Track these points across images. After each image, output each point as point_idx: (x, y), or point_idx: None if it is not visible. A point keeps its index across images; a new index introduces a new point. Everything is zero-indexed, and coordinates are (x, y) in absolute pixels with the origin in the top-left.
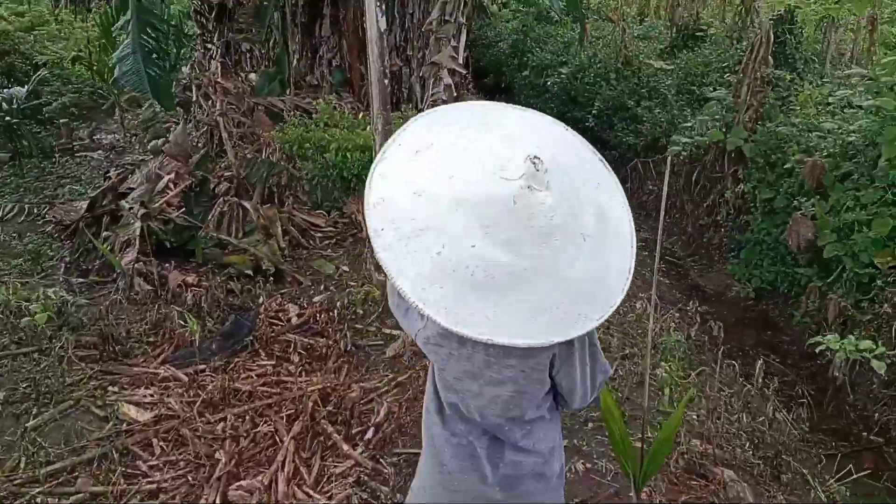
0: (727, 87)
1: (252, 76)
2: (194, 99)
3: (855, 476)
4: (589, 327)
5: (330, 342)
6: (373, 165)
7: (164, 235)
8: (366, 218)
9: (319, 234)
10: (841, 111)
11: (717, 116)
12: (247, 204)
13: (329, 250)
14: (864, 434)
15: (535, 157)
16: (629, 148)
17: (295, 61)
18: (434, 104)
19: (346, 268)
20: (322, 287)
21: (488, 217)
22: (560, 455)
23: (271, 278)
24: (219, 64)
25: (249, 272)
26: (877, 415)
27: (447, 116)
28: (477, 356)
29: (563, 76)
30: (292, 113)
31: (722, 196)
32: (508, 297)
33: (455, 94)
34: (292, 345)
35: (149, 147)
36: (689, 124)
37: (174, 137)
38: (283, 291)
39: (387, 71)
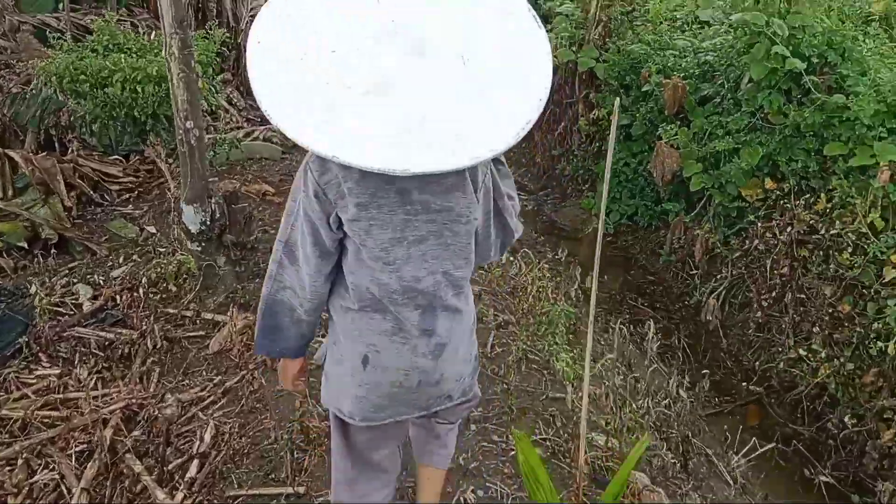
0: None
1: None
2: None
3: (759, 451)
4: (501, 142)
5: (135, 335)
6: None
7: None
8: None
9: (116, 187)
10: (689, 27)
11: (564, 34)
12: (15, 154)
13: (130, 206)
14: (744, 385)
15: None
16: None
17: None
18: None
19: (152, 229)
20: (122, 258)
21: (354, 23)
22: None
23: (54, 250)
24: None
25: (23, 244)
26: (754, 362)
27: None
28: (396, 217)
29: None
30: (68, 34)
31: (574, 123)
32: (383, 106)
33: None
34: (84, 342)
35: None
36: None
37: None
38: (71, 266)
39: None
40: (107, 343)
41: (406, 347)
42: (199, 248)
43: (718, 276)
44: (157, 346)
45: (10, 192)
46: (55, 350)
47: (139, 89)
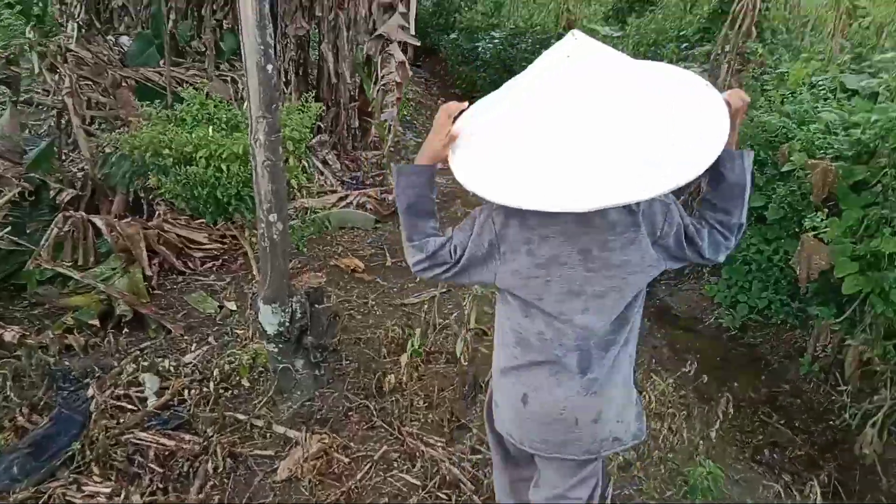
0: (697, 62)
1: (124, 40)
2: (37, 72)
3: None
4: (676, 178)
5: (198, 447)
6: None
7: None
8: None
9: (200, 254)
10: (832, 95)
11: None
12: (97, 220)
13: (212, 276)
14: None
15: (573, 31)
16: None
17: (175, 21)
18: (385, 89)
19: (231, 305)
20: (198, 336)
21: (539, 94)
22: None
23: (126, 329)
24: (76, 24)
25: (95, 321)
26: None
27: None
28: (577, 273)
29: (495, 41)
30: (177, 88)
31: (697, 198)
32: (566, 161)
33: (409, 74)
34: (142, 451)
35: None
36: None
37: None
38: (142, 346)
39: (269, 53)
40: (167, 453)
41: (563, 385)
42: (276, 350)
43: (875, 398)
44: (220, 468)
45: (90, 260)
46: (109, 459)
47: (223, 168)
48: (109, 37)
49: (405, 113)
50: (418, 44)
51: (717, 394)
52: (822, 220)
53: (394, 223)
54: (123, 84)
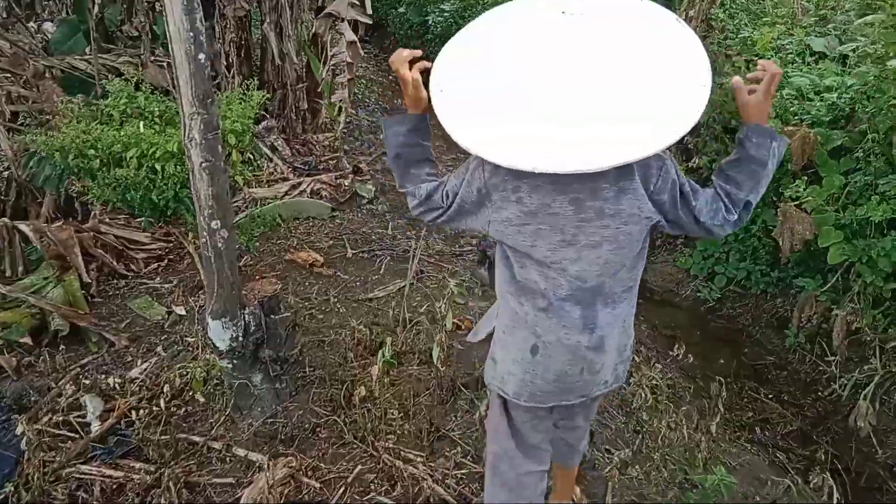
0: None
1: (48, 26)
2: None
3: None
4: (674, 135)
5: (149, 478)
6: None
7: None
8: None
9: (143, 255)
10: (801, 59)
11: None
12: (25, 227)
13: (157, 279)
14: None
15: None
16: None
17: (102, 5)
18: (335, 71)
19: (181, 310)
20: (145, 348)
21: (535, 39)
22: None
23: (62, 346)
24: None
25: (26, 339)
26: None
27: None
28: (568, 222)
29: (445, 14)
30: (106, 78)
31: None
32: (564, 119)
33: (361, 53)
34: (86, 486)
35: None
36: None
37: None
38: (84, 363)
39: (200, 40)
40: (115, 487)
41: (571, 341)
42: (231, 366)
43: (866, 368)
44: (175, 502)
45: (19, 270)
46: (49, 499)
47: (158, 168)
48: (31, 24)
49: (356, 91)
50: (370, 22)
51: (703, 373)
52: (803, 188)
53: (351, 210)
54: (47, 75)
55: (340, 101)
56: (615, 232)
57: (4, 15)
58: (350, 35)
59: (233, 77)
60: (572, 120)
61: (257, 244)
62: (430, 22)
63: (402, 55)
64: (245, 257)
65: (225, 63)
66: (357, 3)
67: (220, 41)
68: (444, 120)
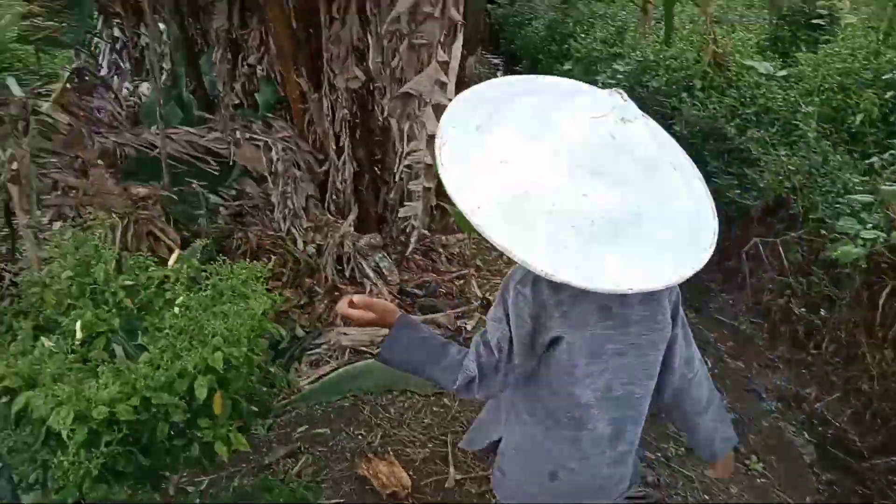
0: None
1: (144, 88)
2: None
3: None
4: (706, 259)
5: None
6: (436, 152)
7: None
8: (455, 202)
9: None
10: None
11: None
12: None
13: None
14: None
15: (617, 89)
16: (733, 208)
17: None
18: (410, 171)
19: None
20: None
21: (592, 160)
22: None
23: None
24: (75, 69)
25: None
26: None
27: (483, 93)
28: (599, 332)
29: (619, 75)
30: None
31: None
32: (631, 239)
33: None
34: None
35: None
36: (862, 198)
37: None
38: None
39: None
40: None
41: (593, 461)
42: None
43: None
44: None
45: None
46: None
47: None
48: (126, 84)
49: None
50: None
51: None
52: None
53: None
54: (98, 161)
55: (409, 217)
56: (641, 340)
57: (110, 72)
58: (433, 126)
59: (343, 164)
60: (639, 236)
61: (325, 431)
62: (599, 84)
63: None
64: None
65: (335, 146)
66: (446, 81)
67: (330, 119)
68: (506, 244)
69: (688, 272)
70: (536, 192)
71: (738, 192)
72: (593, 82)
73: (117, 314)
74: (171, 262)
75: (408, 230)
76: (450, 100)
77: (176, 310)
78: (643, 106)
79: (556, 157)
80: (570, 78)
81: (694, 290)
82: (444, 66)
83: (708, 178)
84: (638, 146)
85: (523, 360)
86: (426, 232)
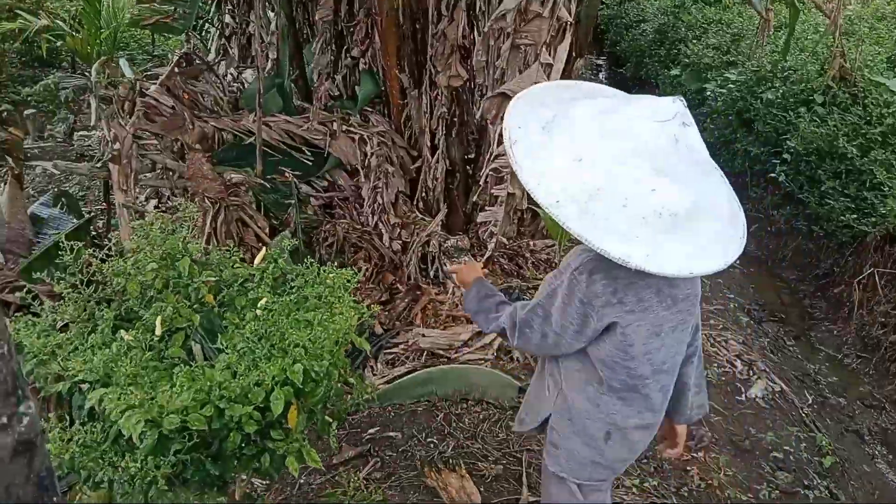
0: None
1: (248, 74)
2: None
3: None
4: (743, 245)
5: None
6: (508, 150)
7: None
8: (534, 196)
9: None
10: None
11: None
12: None
13: None
14: None
15: (678, 97)
16: (850, 233)
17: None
18: (496, 174)
19: None
20: None
21: (658, 160)
22: None
23: None
24: (183, 54)
25: None
26: None
27: (540, 96)
28: (656, 313)
29: (731, 85)
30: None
31: None
32: (690, 231)
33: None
34: None
35: None
36: None
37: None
38: None
39: None
40: None
41: (645, 421)
42: None
43: None
44: None
45: None
46: None
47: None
48: (231, 69)
49: None
50: None
51: None
52: None
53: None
54: (196, 145)
55: (487, 223)
56: (686, 315)
57: (217, 58)
58: None
59: (436, 162)
60: (696, 228)
61: (396, 435)
62: (708, 92)
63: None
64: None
65: (429, 144)
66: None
67: (428, 115)
68: (585, 234)
69: (732, 257)
70: (610, 188)
71: (855, 216)
72: (702, 90)
73: (198, 311)
74: (257, 261)
75: (487, 236)
76: None
77: (258, 312)
78: (755, 118)
79: (627, 156)
80: (678, 84)
81: (795, 316)
82: (548, 68)
83: (821, 198)
84: (694, 149)
85: (570, 338)
86: (504, 240)
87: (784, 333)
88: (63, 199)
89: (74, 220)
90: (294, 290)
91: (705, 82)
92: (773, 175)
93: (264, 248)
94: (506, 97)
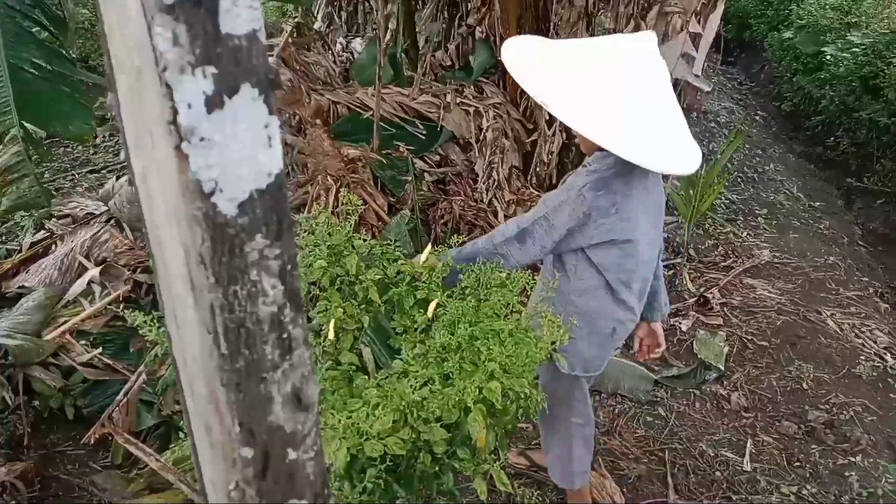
0: None
1: (356, 44)
2: None
3: None
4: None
5: None
6: (516, 76)
7: (63, 399)
8: (554, 112)
9: None
10: None
11: None
12: None
13: None
14: None
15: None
16: None
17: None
18: None
19: None
20: None
21: (641, 74)
22: None
23: None
24: (294, 23)
25: None
26: None
27: (522, 42)
28: (643, 220)
29: (854, 49)
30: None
31: None
32: (674, 135)
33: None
34: None
35: (100, 193)
36: None
37: (125, 189)
38: None
39: None
40: None
41: (635, 312)
42: None
43: None
44: None
45: None
46: None
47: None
48: (340, 39)
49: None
50: (707, 88)
51: None
52: None
53: (686, 392)
54: (316, 121)
55: None
56: (658, 219)
57: (324, 27)
58: None
59: (553, 135)
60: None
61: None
62: (828, 56)
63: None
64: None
65: (547, 116)
66: (694, 55)
67: None
68: (596, 138)
69: (699, 159)
70: (610, 100)
71: None
72: (819, 53)
73: (366, 311)
74: (422, 258)
75: None
76: (696, 76)
77: (435, 315)
78: (884, 84)
79: (618, 74)
80: (790, 47)
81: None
82: (696, 38)
83: None
84: (664, 67)
85: (556, 244)
86: None
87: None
88: None
89: None
90: (467, 292)
91: (823, 45)
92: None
93: (430, 246)
94: None
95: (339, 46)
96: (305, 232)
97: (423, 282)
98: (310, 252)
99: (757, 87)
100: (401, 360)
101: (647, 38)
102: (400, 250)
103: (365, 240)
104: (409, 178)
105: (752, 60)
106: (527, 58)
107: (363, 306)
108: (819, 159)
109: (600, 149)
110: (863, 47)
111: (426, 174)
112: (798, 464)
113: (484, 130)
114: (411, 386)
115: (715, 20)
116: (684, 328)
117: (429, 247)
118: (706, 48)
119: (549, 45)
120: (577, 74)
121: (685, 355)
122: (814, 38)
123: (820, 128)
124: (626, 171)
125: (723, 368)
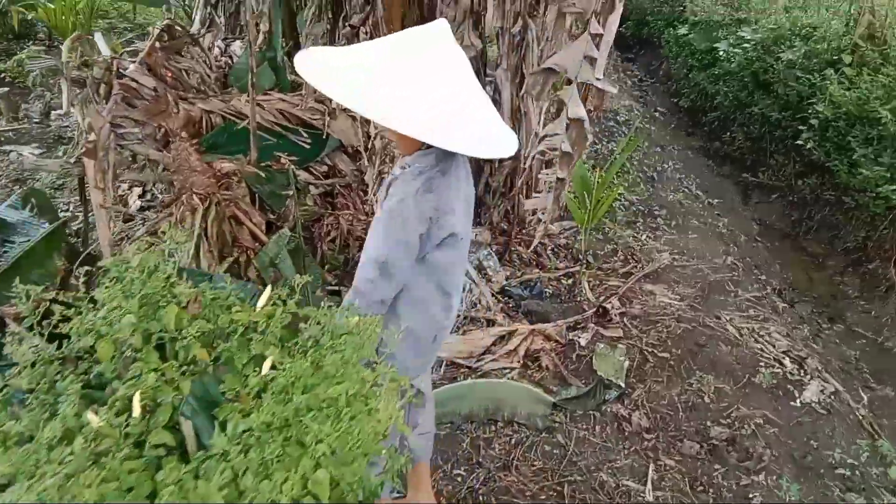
0: None
1: (236, 47)
2: (64, 110)
3: None
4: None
5: None
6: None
7: None
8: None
9: None
10: None
11: None
12: None
13: None
14: None
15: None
16: (884, 204)
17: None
18: (543, 159)
19: None
20: None
21: (439, 65)
22: None
23: None
24: (164, 26)
25: None
26: None
27: (313, 52)
28: (465, 219)
29: (746, 45)
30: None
31: None
32: (485, 121)
33: (589, 139)
34: None
35: None
36: None
37: None
38: None
39: None
40: None
41: (452, 318)
42: None
43: None
44: None
45: None
46: None
47: None
48: (219, 42)
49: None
50: (614, 91)
51: None
52: None
53: (585, 414)
54: (182, 133)
55: (537, 210)
56: (471, 212)
57: (202, 29)
58: (577, 109)
59: None
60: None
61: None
62: (720, 52)
63: None
64: None
65: None
66: (595, 56)
67: None
68: (409, 128)
69: (516, 142)
70: (422, 94)
71: (894, 187)
72: (712, 49)
73: (188, 374)
74: (261, 301)
75: (532, 223)
76: (598, 79)
77: (266, 376)
78: (774, 80)
79: (424, 68)
80: (685, 43)
81: (826, 295)
82: (597, 39)
83: (851, 166)
84: (463, 54)
85: (417, 252)
86: (553, 228)
87: (818, 315)
88: (33, 200)
89: (47, 225)
90: (310, 344)
91: (716, 42)
92: (797, 142)
93: (269, 287)
94: (552, 72)
95: (217, 50)
96: (113, 281)
97: (260, 333)
98: (116, 307)
99: (656, 83)
100: (226, 436)
101: (440, 27)
102: (236, 294)
103: (197, 283)
104: (291, 192)
105: (650, 57)
106: (325, 65)
107: (187, 367)
108: (716, 155)
109: (419, 148)
110: (753, 43)
111: (311, 186)
112: (701, 488)
113: (372, 138)
114: (216, 482)
115: (614, 21)
116: (583, 342)
117: (268, 289)
118: (607, 50)
119: (345, 50)
120: (384, 77)
121: (585, 372)
122: (707, 34)
123: (716, 123)
124: (446, 165)
125: (623, 385)
